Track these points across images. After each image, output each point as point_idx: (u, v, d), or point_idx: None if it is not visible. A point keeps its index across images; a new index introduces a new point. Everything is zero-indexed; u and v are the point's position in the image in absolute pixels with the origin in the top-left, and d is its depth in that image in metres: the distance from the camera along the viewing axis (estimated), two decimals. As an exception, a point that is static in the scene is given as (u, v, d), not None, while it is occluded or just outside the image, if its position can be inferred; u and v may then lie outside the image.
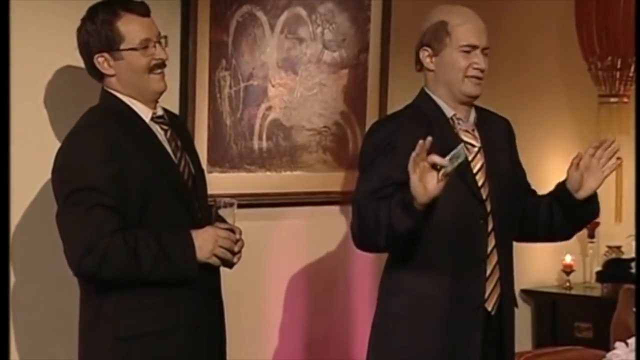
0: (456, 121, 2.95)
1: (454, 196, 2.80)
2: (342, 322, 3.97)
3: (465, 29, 2.93)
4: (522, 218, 3.02)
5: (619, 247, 4.78)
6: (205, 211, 2.82)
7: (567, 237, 3.12)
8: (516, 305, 2.98)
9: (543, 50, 4.78)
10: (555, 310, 4.69)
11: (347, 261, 3.99)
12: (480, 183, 2.92)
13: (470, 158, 2.88)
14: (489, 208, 2.90)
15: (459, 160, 2.64)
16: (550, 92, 4.84)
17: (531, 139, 4.78)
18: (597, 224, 4.84)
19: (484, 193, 2.91)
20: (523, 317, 4.71)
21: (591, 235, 4.85)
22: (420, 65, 2.98)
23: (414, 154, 2.62)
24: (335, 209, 3.94)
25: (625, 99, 4.76)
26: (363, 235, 2.81)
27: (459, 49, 2.91)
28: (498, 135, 3.04)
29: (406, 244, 2.80)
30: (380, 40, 4.03)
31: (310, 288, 3.90)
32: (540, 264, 4.78)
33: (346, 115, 3.97)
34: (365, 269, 3.97)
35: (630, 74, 4.69)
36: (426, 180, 2.63)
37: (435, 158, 2.63)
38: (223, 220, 2.81)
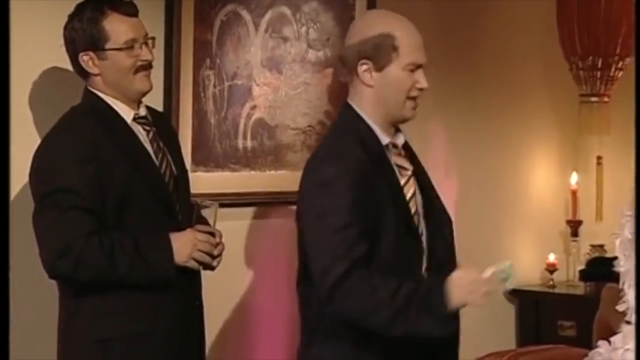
0: (391, 149, 2.61)
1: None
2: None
3: (412, 46, 2.59)
4: None
5: (601, 246, 4.79)
6: (187, 213, 2.80)
7: None
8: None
9: (525, 50, 4.79)
10: (539, 309, 4.69)
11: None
12: (413, 210, 2.58)
13: (402, 183, 2.59)
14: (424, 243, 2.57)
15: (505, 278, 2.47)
16: (532, 92, 4.85)
17: (513, 139, 4.79)
18: (580, 222, 4.87)
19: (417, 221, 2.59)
20: (506, 316, 4.72)
21: (574, 234, 4.86)
22: (349, 77, 2.58)
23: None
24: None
25: (606, 99, 4.76)
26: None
27: (406, 67, 2.58)
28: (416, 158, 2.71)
29: None
30: (365, 38, 4.03)
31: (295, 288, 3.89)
32: (523, 263, 4.78)
33: (331, 115, 3.94)
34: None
35: (611, 74, 4.70)
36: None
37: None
38: (204, 222, 2.79)
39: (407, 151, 2.67)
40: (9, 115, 2.51)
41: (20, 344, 3.08)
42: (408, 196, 2.58)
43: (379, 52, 2.52)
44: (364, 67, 2.53)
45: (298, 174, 3.85)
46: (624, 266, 2.85)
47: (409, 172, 2.62)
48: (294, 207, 3.79)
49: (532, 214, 4.85)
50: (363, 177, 2.47)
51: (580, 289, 4.73)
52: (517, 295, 4.71)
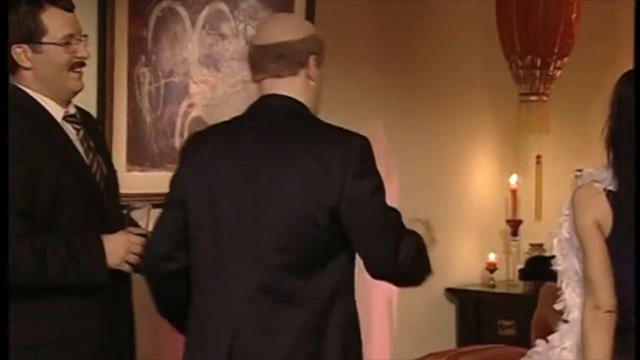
0: None
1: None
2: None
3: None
4: None
5: (540, 245, 4.81)
6: (117, 214, 2.73)
7: None
8: None
9: (465, 49, 4.80)
10: (479, 309, 4.70)
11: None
12: None
13: None
14: None
15: None
16: (472, 91, 4.86)
17: (453, 138, 4.80)
18: (520, 222, 4.89)
19: None
20: (447, 315, 4.72)
21: (514, 234, 4.88)
22: (292, 71, 2.52)
23: None
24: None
25: (545, 98, 4.79)
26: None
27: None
28: None
29: None
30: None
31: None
32: (464, 262, 4.79)
33: (269, 113, 3.94)
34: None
35: (550, 73, 4.73)
36: None
37: None
38: (136, 224, 2.73)
39: None
40: (8, 115, 2.46)
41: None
42: None
43: (322, 51, 2.55)
44: (313, 61, 2.52)
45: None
46: (562, 265, 2.86)
47: None
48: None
49: (473, 214, 4.86)
50: None
51: (520, 288, 4.75)
52: (457, 295, 4.72)
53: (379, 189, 2.43)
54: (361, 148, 2.42)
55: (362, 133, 2.48)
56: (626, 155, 2.67)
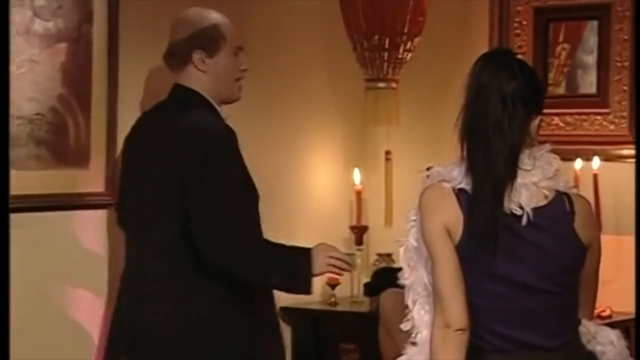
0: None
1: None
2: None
3: (234, 31, 3.64)
4: None
5: (389, 255, 4.85)
6: None
7: None
8: None
9: (303, 28, 4.82)
10: (318, 330, 4.73)
11: (67, 277, 3.88)
12: None
13: None
14: None
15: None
16: (312, 76, 4.89)
17: (291, 130, 4.80)
18: (365, 228, 4.92)
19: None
20: (281, 338, 4.70)
21: (359, 242, 4.91)
22: (182, 63, 3.63)
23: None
24: (54, 215, 3.84)
25: (394, 84, 4.84)
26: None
27: (231, 52, 3.61)
28: None
29: None
30: (107, 8, 3.96)
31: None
32: (301, 277, 4.79)
33: (65, 100, 3.87)
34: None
35: (400, 55, 4.78)
36: None
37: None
38: None
39: None
40: (9, 115, 2.28)
41: None
42: None
43: (210, 41, 3.57)
44: (198, 55, 3.58)
45: (24, 174, 3.74)
46: (409, 278, 2.88)
47: None
48: (21, 215, 3.65)
49: (312, 220, 4.87)
50: None
51: (365, 305, 4.78)
52: (292, 315, 4.71)
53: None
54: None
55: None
56: (483, 149, 2.71)
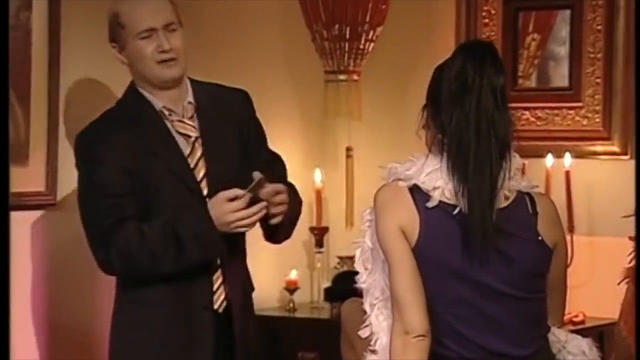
0: (166, 113, 3.42)
1: (173, 197, 3.36)
2: None
3: (136, 15, 3.41)
4: None
5: (351, 258, 4.79)
6: None
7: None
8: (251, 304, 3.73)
9: (259, 16, 4.82)
10: (276, 338, 4.70)
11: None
12: (199, 178, 3.41)
13: (187, 152, 3.41)
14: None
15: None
16: (268, 68, 4.90)
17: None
18: (326, 229, 4.89)
19: (204, 189, 3.41)
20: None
21: (319, 244, 4.89)
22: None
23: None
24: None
25: (356, 77, 4.86)
26: (130, 270, 3.38)
27: (138, 38, 3.41)
28: (227, 116, 3.53)
29: None
30: (48, -6, 3.94)
31: None
32: (258, 281, 4.73)
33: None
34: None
35: (361, 46, 4.78)
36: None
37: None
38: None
39: (200, 117, 3.48)
40: (8, 111, 2.26)
41: None
42: (192, 164, 3.41)
43: (115, 33, 3.43)
44: (115, 50, 3.46)
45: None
46: (366, 281, 2.86)
47: (192, 139, 3.43)
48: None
49: (269, 221, 4.82)
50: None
51: (325, 311, 4.80)
52: (247, 321, 4.67)
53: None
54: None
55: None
56: (475, 147, 2.63)
